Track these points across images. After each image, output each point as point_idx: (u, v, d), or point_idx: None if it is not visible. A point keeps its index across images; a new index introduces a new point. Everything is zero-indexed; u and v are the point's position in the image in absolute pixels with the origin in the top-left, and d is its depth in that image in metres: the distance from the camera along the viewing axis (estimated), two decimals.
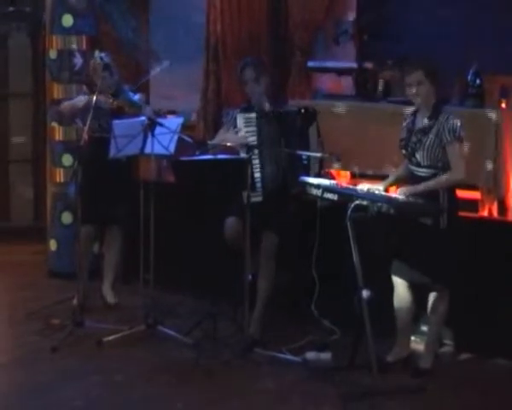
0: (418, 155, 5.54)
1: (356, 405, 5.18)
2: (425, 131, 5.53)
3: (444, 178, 5.48)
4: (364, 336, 5.34)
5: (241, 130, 6.15)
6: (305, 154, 6.05)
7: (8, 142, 8.93)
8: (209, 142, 6.33)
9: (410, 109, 5.78)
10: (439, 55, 6.47)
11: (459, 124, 5.48)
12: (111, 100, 6.55)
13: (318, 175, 6.08)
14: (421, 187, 5.48)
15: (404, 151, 5.66)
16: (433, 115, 5.54)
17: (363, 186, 5.69)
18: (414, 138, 5.57)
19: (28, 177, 8.97)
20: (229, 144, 6.07)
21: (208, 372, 5.60)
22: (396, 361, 5.74)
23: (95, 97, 6.29)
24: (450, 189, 5.53)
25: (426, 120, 5.56)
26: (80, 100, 6.66)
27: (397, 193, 5.58)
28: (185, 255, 7.00)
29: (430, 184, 5.49)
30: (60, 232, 7.63)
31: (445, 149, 5.47)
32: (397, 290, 5.72)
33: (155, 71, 6.86)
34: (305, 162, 6.13)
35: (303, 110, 6.34)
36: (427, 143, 5.49)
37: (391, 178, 5.85)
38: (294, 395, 5.38)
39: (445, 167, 5.49)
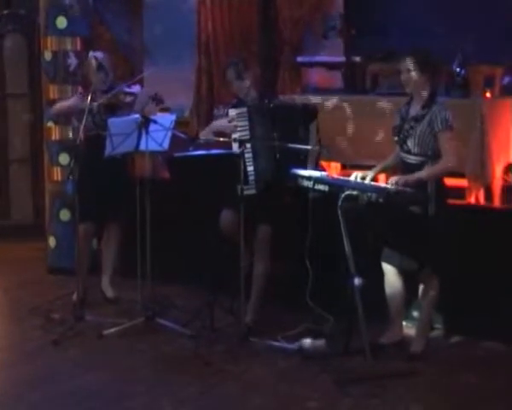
0: (410, 142, 5.58)
1: (351, 390, 5.25)
2: (418, 119, 5.56)
3: (435, 167, 5.51)
4: (357, 322, 5.40)
5: (234, 122, 6.19)
6: (295, 147, 6.00)
7: (7, 142, 8.94)
8: (201, 136, 6.36)
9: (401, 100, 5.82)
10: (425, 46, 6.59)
11: (450, 114, 5.52)
12: (101, 100, 6.56)
13: (315, 169, 6.08)
14: (413, 177, 5.49)
15: (396, 138, 5.69)
16: (427, 104, 5.56)
17: (355, 175, 5.74)
18: (407, 126, 5.60)
19: (27, 176, 9.00)
20: (221, 139, 6.14)
21: (206, 361, 5.67)
22: (389, 344, 5.81)
23: (87, 99, 6.35)
24: (438, 177, 5.58)
25: (419, 109, 5.59)
26: (68, 101, 6.74)
27: (387, 182, 5.59)
28: (182, 248, 7.03)
29: (422, 174, 5.50)
30: (58, 229, 7.69)
31: (436, 138, 5.50)
32: (387, 277, 5.80)
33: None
34: (302, 157, 6.11)
35: (305, 107, 6.40)
36: (419, 130, 5.53)
37: (380, 167, 5.90)
38: (290, 381, 5.43)
39: (435, 156, 5.52)
